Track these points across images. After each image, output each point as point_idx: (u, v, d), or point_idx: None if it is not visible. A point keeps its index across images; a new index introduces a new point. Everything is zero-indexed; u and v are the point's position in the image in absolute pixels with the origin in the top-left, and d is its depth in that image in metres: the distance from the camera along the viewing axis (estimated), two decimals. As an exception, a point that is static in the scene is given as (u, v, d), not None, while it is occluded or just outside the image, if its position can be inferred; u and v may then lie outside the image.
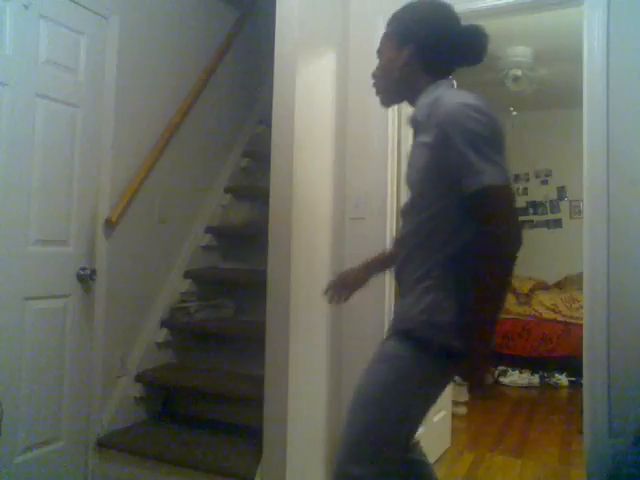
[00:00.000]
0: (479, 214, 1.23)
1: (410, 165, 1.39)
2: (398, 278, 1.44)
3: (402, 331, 1.34)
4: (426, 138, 1.30)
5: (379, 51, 1.49)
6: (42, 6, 2.28)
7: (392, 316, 1.48)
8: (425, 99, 1.37)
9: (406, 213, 1.42)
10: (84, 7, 2.46)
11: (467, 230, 1.27)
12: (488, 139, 1.24)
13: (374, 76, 1.50)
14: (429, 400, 1.39)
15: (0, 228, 2.15)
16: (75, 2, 2.41)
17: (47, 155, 2.33)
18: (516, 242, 1.22)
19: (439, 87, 1.37)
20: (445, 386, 1.44)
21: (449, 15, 1.41)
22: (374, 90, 1.51)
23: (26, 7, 2.22)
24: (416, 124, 1.39)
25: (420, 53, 1.38)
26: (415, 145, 1.38)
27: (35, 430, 2.27)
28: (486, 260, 1.22)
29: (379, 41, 1.49)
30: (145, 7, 2.79)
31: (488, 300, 1.23)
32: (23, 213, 2.24)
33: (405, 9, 1.44)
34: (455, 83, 1.47)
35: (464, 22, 1.41)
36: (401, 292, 1.42)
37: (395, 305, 1.39)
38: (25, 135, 2.24)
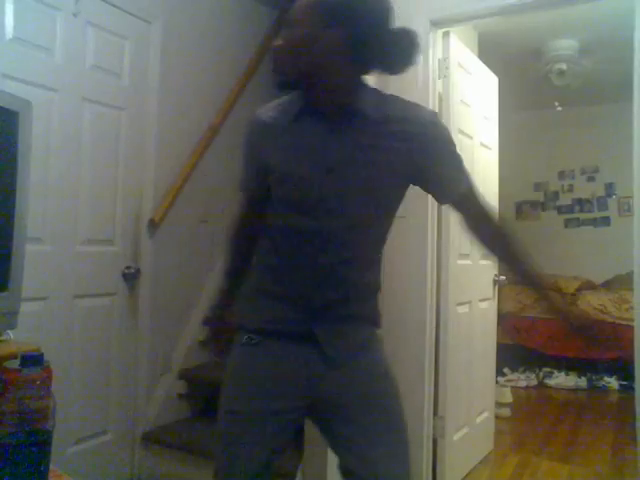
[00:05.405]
0: (479, 204, 1.31)
1: (376, 168, 1.21)
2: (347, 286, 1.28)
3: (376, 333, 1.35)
4: (397, 143, 1.21)
5: (295, 20, 1.19)
6: (89, 14, 2.36)
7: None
8: (371, 98, 1.22)
9: (362, 221, 1.27)
10: (128, 13, 2.53)
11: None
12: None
13: (279, 49, 1.21)
14: None
15: (52, 228, 2.24)
16: (120, 9, 2.48)
17: (94, 157, 2.41)
18: None
19: (372, 86, 1.26)
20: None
21: (389, 9, 1.20)
22: (274, 64, 1.23)
23: (75, 15, 2.30)
24: (344, 119, 1.21)
25: (349, 41, 1.14)
26: (357, 146, 1.20)
27: (85, 423, 2.36)
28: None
29: (297, 7, 1.19)
30: (186, 11, 2.84)
31: None
32: (72, 213, 2.33)
33: None
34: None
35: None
36: (346, 298, 1.27)
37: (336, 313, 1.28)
38: (74, 138, 2.32)
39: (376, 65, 1.23)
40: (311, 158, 1.23)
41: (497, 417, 3.24)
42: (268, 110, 1.30)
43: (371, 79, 1.29)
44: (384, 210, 1.30)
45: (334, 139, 1.21)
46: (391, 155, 1.21)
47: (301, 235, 1.26)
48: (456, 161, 1.30)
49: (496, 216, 1.33)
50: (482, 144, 2.91)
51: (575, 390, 4.45)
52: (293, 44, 1.18)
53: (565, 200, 5.92)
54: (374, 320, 1.36)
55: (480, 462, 2.86)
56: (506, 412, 3.62)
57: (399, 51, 1.21)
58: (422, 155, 1.23)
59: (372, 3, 1.17)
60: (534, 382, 4.56)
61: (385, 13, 1.19)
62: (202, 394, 2.94)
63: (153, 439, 2.60)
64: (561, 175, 5.93)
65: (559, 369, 4.62)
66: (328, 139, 1.21)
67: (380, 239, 1.35)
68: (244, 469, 1.27)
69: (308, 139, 1.23)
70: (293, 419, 1.30)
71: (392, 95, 1.30)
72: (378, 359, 1.31)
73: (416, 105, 1.28)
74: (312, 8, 1.16)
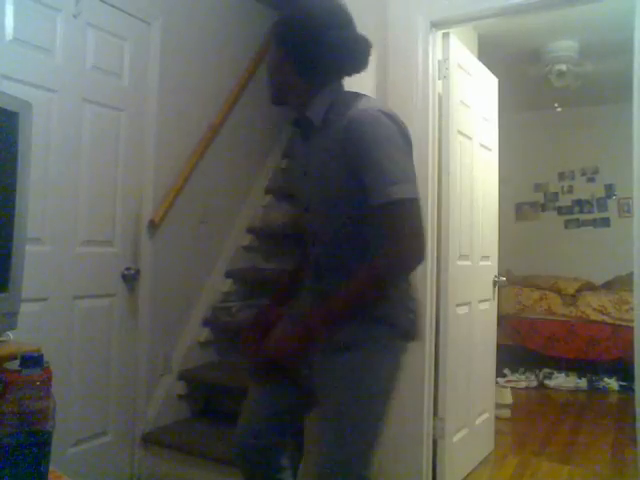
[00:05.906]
0: (387, 227, 1.22)
1: (325, 170, 1.30)
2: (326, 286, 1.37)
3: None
4: (329, 145, 1.27)
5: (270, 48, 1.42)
6: (89, 15, 2.35)
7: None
8: (321, 104, 1.32)
9: (324, 225, 1.37)
10: (128, 14, 2.53)
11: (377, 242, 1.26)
12: (400, 146, 1.23)
13: (268, 72, 1.44)
14: None
15: (52, 228, 2.24)
16: (120, 9, 2.48)
17: (93, 157, 2.41)
18: (414, 262, 1.23)
19: (331, 92, 1.33)
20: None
21: (331, 20, 1.31)
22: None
23: (75, 17, 2.30)
24: (309, 127, 1.35)
25: (292, 57, 1.32)
26: (316, 151, 1.33)
27: (85, 424, 2.36)
28: (372, 272, 1.23)
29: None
30: (185, 12, 2.85)
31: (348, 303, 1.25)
32: (72, 213, 2.32)
33: (292, 7, 1.35)
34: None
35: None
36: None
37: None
38: (73, 138, 2.32)
39: (331, 70, 1.34)
40: (297, 164, 1.46)
41: (497, 418, 3.24)
42: None
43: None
44: (347, 210, 1.30)
45: (306, 146, 1.39)
46: (328, 157, 1.29)
47: (305, 231, 1.47)
48: (374, 168, 1.21)
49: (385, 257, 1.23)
50: (482, 145, 2.92)
51: (575, 391, 4.44)
52: (267, 68, 1.42)
53: (565, 201, 5.92)
54: (380, 318, 1.32)
55: (480, 463, 2.86)
56: (506, 413, 3.62)
57: (352, 57, 1.34)
58: (345, 155, 1.24)
59: (310, 20, 1.30)
60: (534, 383, 4.55)
61: (326, 25, 1.29)
62: (202, 395, 2.94)
63: (153, 440, 2.60)
64: (561, 176, 5.93)
65: (559, 370, 4.61)
66: (304, 146, 1.40)
67: (359, 241, 1.32)
68: (249, 421, 1.48)
69: (297, 148, 1.46)
70: (292, 390, 1.44)
71: (353, 96, 1.33)
72: (359, 360, 1.29)
73: (358, 103, 1.28)
74: (269, 32, 1.38)
